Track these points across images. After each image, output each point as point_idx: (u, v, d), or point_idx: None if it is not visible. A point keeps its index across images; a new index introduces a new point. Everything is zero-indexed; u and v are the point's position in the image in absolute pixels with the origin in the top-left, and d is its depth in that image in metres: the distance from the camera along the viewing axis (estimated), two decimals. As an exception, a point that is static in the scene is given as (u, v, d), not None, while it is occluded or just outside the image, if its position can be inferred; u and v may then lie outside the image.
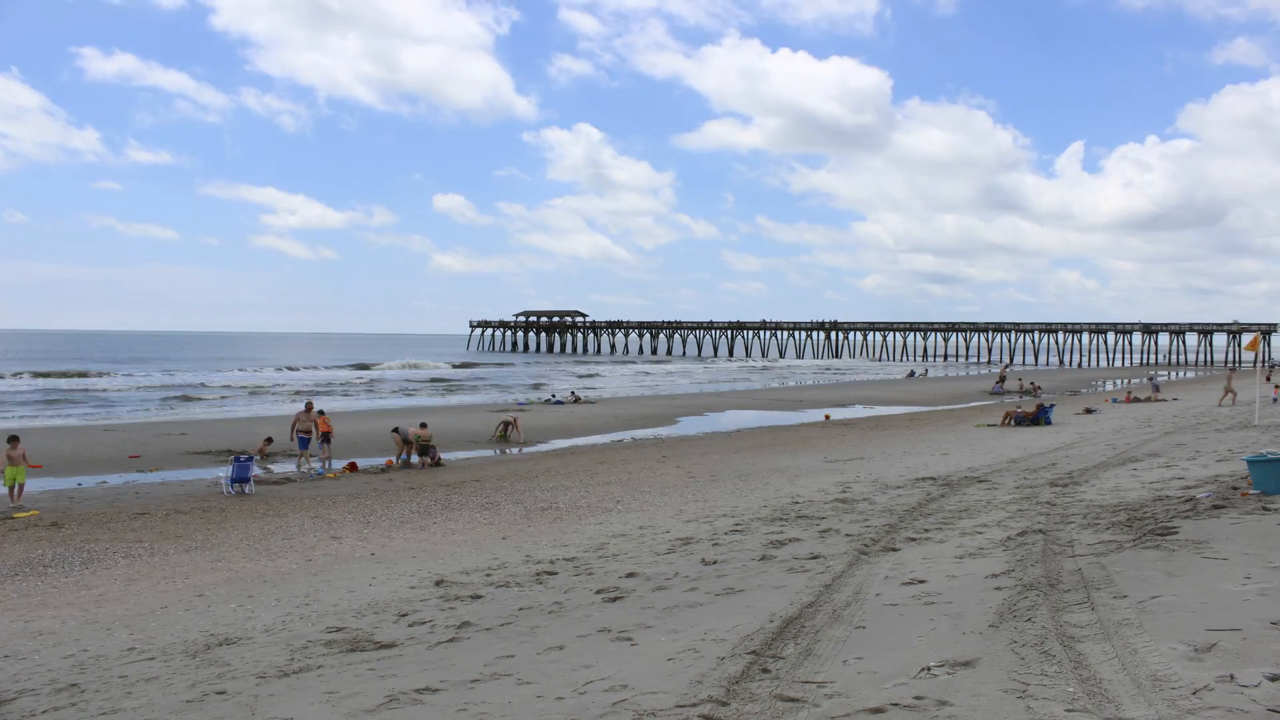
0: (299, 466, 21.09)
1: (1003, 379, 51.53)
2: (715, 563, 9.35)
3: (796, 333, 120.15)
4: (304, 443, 21.57)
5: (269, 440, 22.94)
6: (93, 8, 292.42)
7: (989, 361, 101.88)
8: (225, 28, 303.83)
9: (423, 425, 22.03)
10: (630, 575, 9.07)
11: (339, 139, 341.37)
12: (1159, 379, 47.97)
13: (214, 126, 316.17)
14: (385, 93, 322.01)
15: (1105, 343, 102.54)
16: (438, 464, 21.00)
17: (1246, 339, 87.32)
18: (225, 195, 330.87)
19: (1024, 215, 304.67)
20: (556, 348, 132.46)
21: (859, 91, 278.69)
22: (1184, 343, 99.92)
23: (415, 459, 21.01)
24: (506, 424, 27.05)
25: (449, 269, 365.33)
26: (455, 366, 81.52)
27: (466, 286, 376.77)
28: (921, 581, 7.58)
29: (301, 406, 23.43)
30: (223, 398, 44.74)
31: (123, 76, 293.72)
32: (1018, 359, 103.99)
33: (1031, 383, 50.04)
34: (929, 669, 5.24)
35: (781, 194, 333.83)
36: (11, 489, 15.97)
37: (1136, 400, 37.36)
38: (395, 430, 22.14)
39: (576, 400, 41.37)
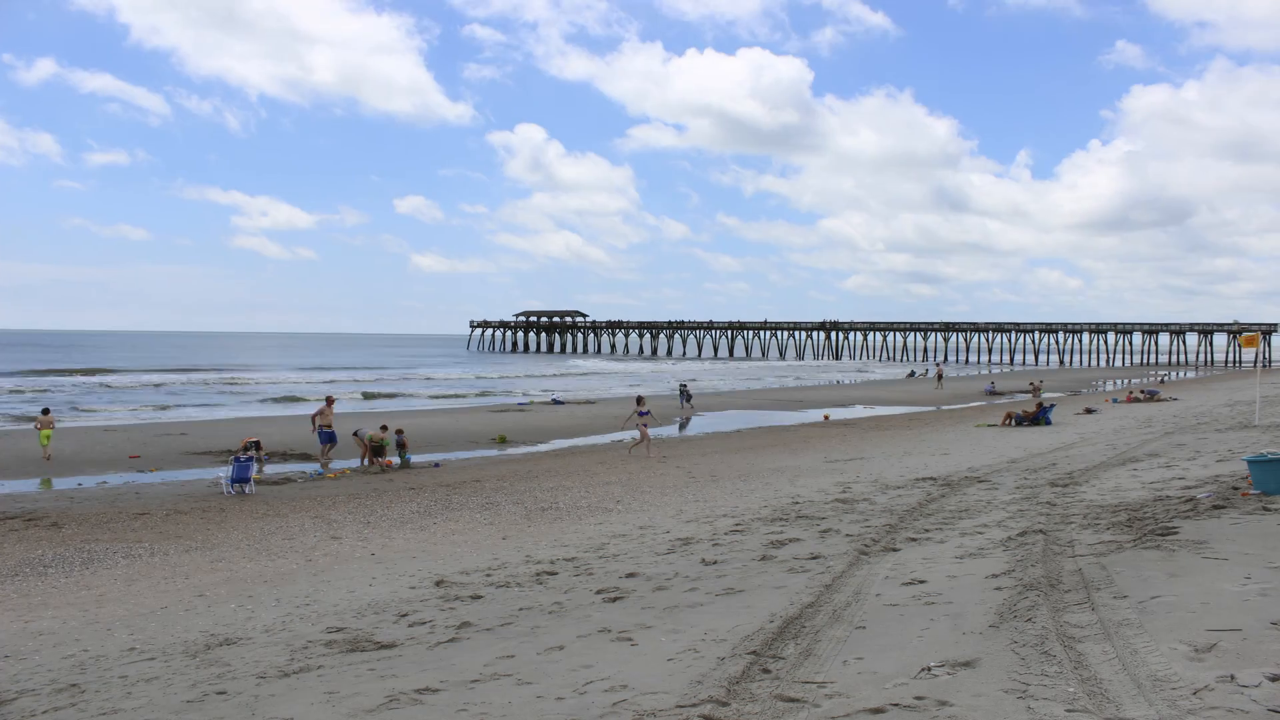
0: (322, 460, 21.60)
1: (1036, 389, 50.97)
2: (715, 563, 9.35)
3: (796, 333, 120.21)
4: (326, 437, 21.89)
5: (258, 445, 22.84)
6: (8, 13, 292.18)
7: (989, 362, 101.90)
8: (141, 33, 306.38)
9: (383, 427, 22.10)
10: (630, 575, 9.07)
11: (286, 141, 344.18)
12: (1152, 389, 48.22)
13: (157, 129, 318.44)
14: (317, 97, 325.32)
15: (1105, 343, 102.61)
16: (405, 466, 20.99)
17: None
18: (190, 197, 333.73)
19: (983, 214, 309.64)
20: (556, 348, 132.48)
21: (788, 91, 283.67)
22: (1184, 343, 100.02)
23: (367, 461, 21.08)
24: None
25: (430, 269, 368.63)
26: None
27: (451, 286, 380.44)
28: (922, 581, 7.58)
29: (323, 402, 23.54)
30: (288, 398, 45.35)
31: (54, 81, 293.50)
32: (1018, 360, 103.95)
33: (1031, 382, 50.25)
34: (929, 669, 5.24)
35: (735, 192, 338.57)
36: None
37: (1137, 400, 37.36)
38: (355, 433, 22.00)
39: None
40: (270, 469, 20.50)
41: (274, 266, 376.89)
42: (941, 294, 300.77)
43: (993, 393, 48.51)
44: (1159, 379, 52.86)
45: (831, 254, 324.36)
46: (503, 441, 26.31)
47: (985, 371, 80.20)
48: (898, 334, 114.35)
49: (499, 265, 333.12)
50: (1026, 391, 47.20)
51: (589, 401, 42.23)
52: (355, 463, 21.47)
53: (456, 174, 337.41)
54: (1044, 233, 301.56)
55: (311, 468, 21.13)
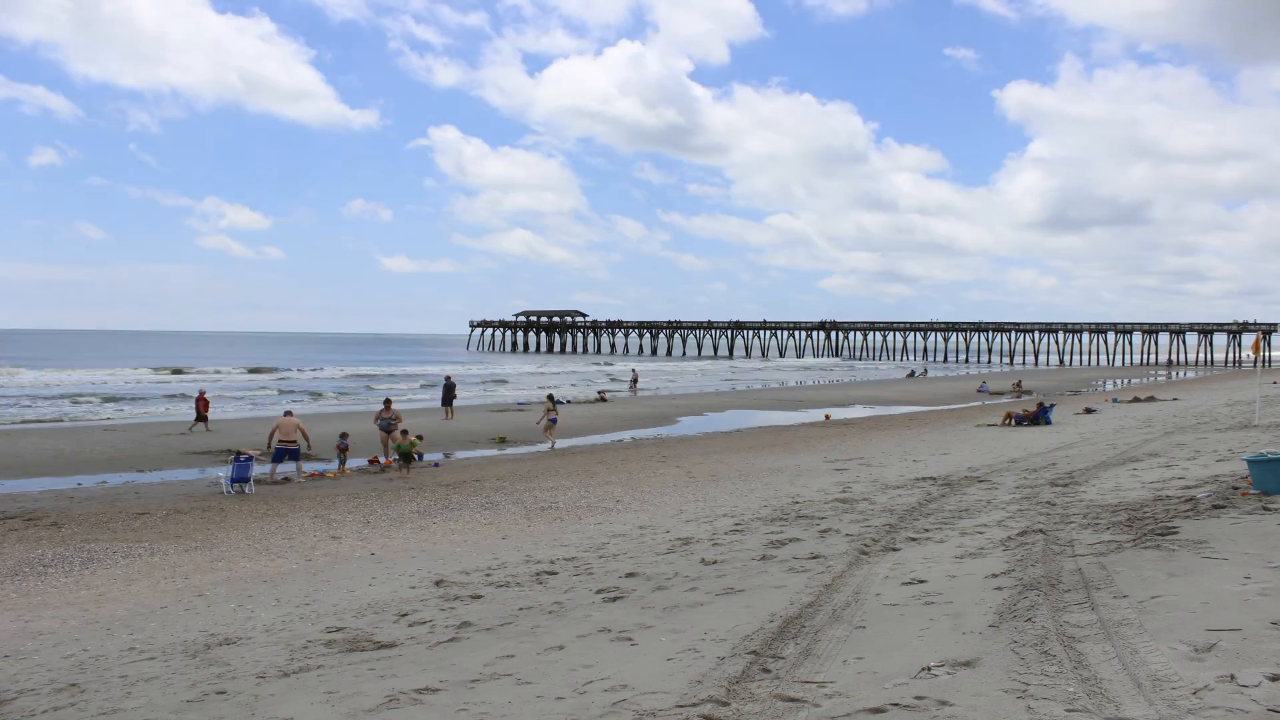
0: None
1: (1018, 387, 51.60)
2: (715, 562, 9.35)
3: (796, 332, 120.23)
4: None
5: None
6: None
7: (988, 362, 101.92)
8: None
9: (413, 435, 22.11)
10: (630, 575, 9.07)
11: (218, 145, 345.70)
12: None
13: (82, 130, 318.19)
14: (231, 101, 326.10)
15: (1105, 343, 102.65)
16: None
17: (1248, 339, 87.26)
18: (140, 198, 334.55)
19: (914, 212, 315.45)
20: (556, 347, 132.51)
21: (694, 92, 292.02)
22: (1184, 342, 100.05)
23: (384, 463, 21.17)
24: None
25: (401, 269, 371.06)
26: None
27: (435, 287, 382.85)
28: (922, 581, 7.58)
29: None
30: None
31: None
32: (1017, 360, 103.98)
33: (1014, 382, 50.59)
34: (929, 669, 5.24)
35: (674, 190, 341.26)
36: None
37: (1137, 400, 37.37)
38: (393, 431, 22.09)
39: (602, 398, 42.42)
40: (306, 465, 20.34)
41: (238, 265, 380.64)
42: (923, 294, 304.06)
43: (985, 392, 48.70)
44: (1153, 379, 53.35)
45: (795, 253, 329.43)
46: (502, 441, 26.29)
47: (984, 371, 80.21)
48: (898, 334, 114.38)
49: (472, 266, 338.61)
50: (1011, 392, 47.39)
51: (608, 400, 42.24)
52: (355, 462, 21.46)
53: (395, 178, 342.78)
54: (1008, 232, 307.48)
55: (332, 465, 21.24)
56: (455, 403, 33.30)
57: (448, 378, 35.19)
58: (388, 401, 23.94)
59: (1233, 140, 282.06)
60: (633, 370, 48.08)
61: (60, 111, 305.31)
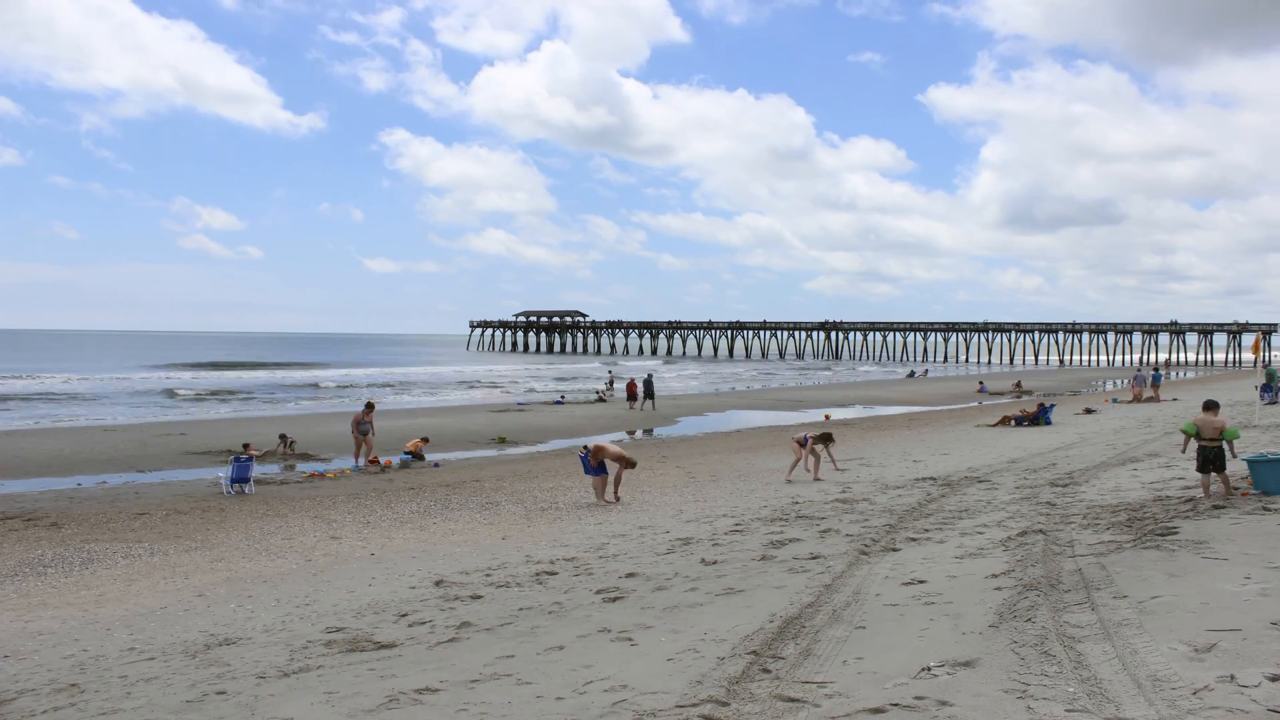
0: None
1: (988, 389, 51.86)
2: (715, 563, 9.35)
3: (796, 333, 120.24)
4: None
5: (284, 438, 22.90)
6: None
7: (988, 361, 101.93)
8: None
9: (424, 440, 22.35)
10: (630, 575, 9.07)
11: (176, 147, 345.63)
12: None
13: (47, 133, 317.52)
14: (179, 105, 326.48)
15: (1105, 343, 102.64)
16: (405, 466, 21.02)
17: (1248, 339, 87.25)
18: (107, 197, 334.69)
19: (871, 210, 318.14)
20: (556, 348, 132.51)
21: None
22: (1184, 342, 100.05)
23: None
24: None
25: (384, 270, 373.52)
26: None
27: (423, 286, 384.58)
28: (922, 581, 7.58)
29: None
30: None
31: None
32: (1017, 360, 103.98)
33: (1016, 383, 50.70)
34: (929, 669, 5.24)
35: (634, 190, 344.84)
36: None
37: (1137, 400, 37.36)
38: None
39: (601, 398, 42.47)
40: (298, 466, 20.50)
41: (220, 266, 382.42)
42: (906, 294, 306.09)
43: (985, 392, 48.75)
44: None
45: (767, 252, 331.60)
46: (502, 442, 26.29)
47: (984, 371, 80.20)
48: (898, 334, 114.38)
49: (457, 266, 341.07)
50: (1011, 392, 47.42)
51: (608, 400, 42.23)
52: (352, 463, 21.48)
53: (350, 178, 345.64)
54: (980, 232, 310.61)
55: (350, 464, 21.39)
56: (456, 403, 33.47)
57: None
58: (370, 405, 23.75)
59: (1176, 139, 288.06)
60: (608, 372, 46.99)
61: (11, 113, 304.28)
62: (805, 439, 17.06)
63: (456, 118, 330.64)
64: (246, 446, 22.60)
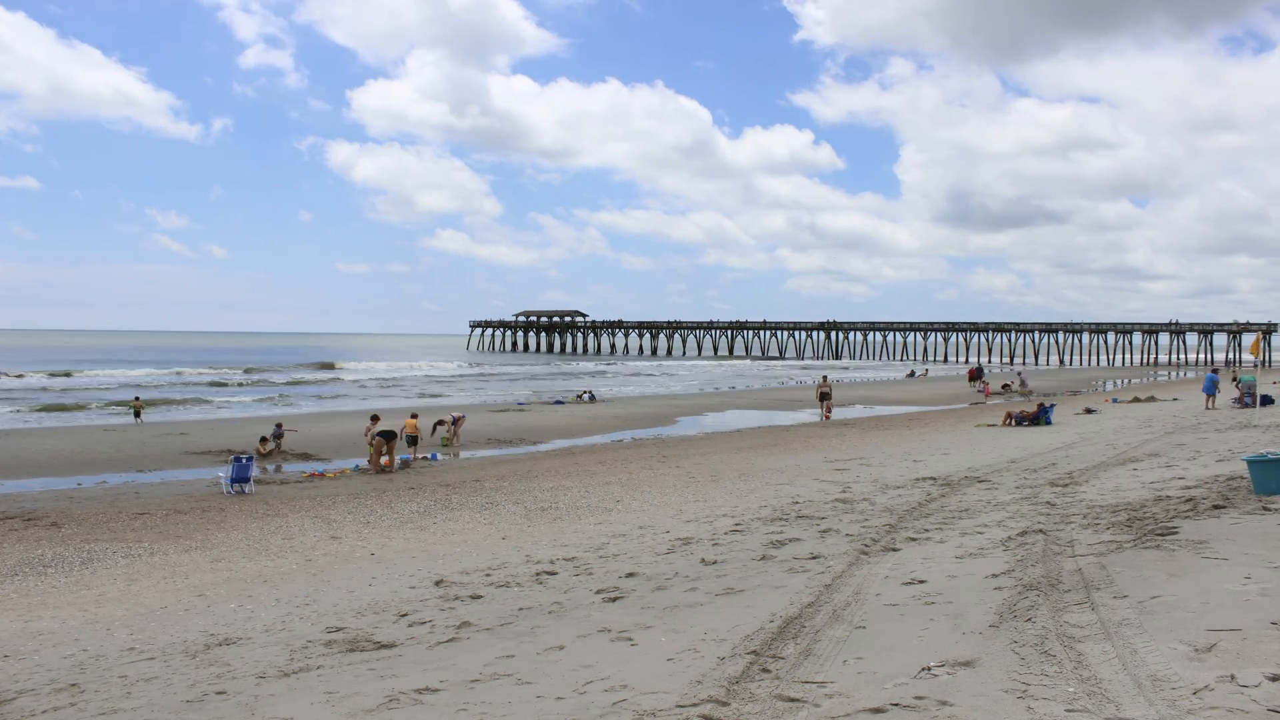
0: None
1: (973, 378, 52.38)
2: (715, 563, 9.35)
3: (796, 333, 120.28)
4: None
5: (264, 440, 23.00)
6: None
7: (989, 361, 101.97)
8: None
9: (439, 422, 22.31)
10: (630, 575, 9.07)
11: (104, 152, 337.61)
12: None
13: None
14: (79, 109, 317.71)
15: (1105, 343, 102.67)
16: (405, 466, 21.06)
17: (1247, 339, 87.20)
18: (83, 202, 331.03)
19: (817, 210, 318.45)
20: (556, 348, 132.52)
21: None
22: (1184, 342, 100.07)
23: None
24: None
25: (354, 271, 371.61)
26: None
27: (402, 287, 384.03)
28: (922, 581, 7.58)
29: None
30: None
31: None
32: (1017, 360, 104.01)
33: (1007, 384, 50.82)
34: (929, 669, 5.24)
35: (568, 189, 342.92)
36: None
37: (1137, 400, 37.39)
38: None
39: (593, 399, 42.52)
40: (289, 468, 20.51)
41: (181, 266, 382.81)
42: (887, 294, 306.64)
43: (982, 391, 48.82)
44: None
45: (741, 254, 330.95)
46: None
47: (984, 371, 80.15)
48: (897, 334, 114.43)
49: (427, 267, 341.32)
50: (1002, 394, 47.46)
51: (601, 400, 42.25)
52: (353, 463, 21.49)
53: (285, 181, 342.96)
54: (933, 231, 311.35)
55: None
56: (455, 401, 33.48)
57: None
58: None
59: (1084, 133, 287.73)
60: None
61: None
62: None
63: (366, 120, 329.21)
64: (264, 440, 22.68)
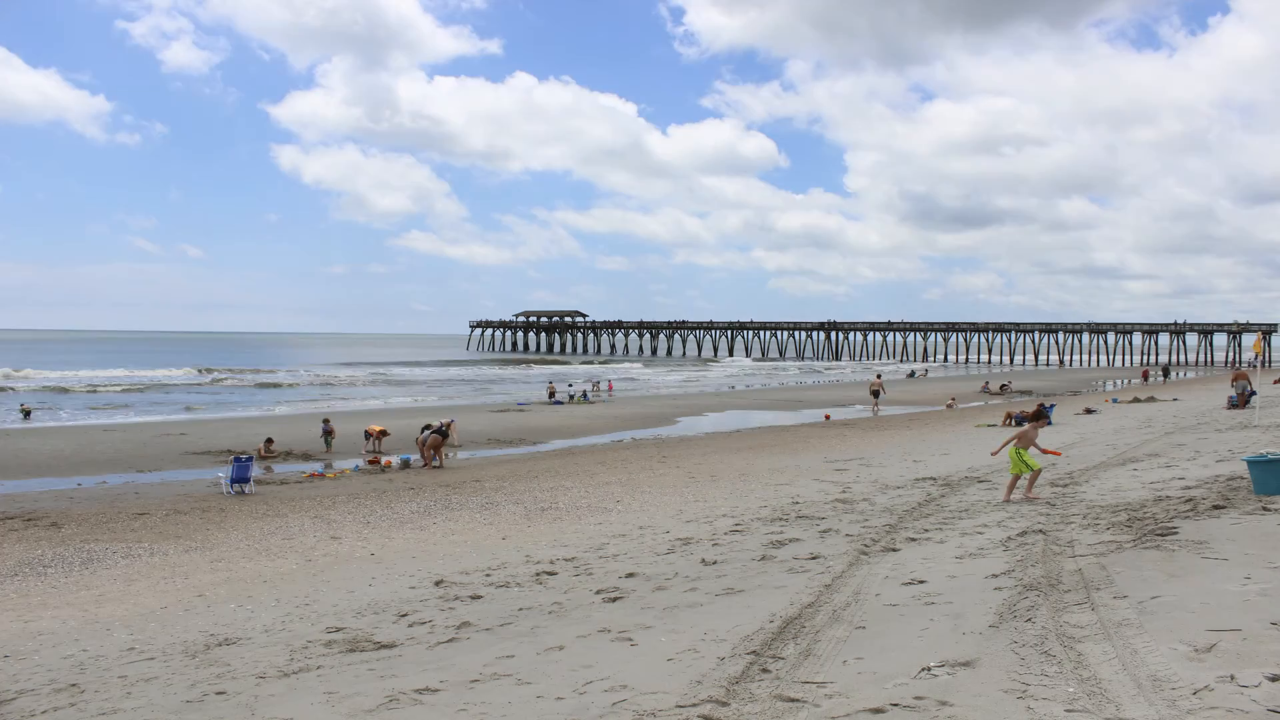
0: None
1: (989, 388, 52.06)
2: (715, 563, 9.35)
3: (797, 333, 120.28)
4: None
5: (269, 441, 23.02)
6: None
7: (988, 361, 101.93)
8: None
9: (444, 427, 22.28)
10: (630, 575, 9.07)
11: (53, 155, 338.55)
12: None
13: None
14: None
15: (1105, 343, 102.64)
16: (405, 466, 21.07)
17: (1248, 339, 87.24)
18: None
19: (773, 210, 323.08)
20: (556, 348, 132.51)
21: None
22: (1184, 342, 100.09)
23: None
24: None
25: (337, 272, 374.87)
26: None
27: (388, 286, 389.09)
28: (922, 581, 7.58)
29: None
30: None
31: None
32: (1017, 360, 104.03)
33: (1005, 384, 50.97)
34: (929, 669, 5.24)
35: (529, 188, 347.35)
36: None
37: (1137, 400, 37.37)
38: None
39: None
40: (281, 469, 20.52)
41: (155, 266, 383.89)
42: (869, 294, 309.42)
43: (985, 391, 48.87)
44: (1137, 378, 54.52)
45: (713, 254, 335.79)
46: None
47: (981, 371, 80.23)
48: (897, 334, 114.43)
49: (404, 266, 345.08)
50: (999, 394, 47.51)
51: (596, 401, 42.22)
52: (353, 463, 21.51)
53: (243, 185, 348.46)
54: (898, 231, 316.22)
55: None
56: (456, 402, 33.64)
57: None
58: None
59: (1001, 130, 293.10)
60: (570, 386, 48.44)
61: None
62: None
63: (297, 126, 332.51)
64: (269, 441, 22.70)
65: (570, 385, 50.27)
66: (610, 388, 48.69)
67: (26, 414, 33.49)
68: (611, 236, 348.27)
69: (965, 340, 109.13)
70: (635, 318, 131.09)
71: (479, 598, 8.64)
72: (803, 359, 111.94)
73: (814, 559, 9.04)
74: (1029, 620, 6.05)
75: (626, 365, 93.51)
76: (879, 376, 41.64)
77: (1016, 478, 12.16)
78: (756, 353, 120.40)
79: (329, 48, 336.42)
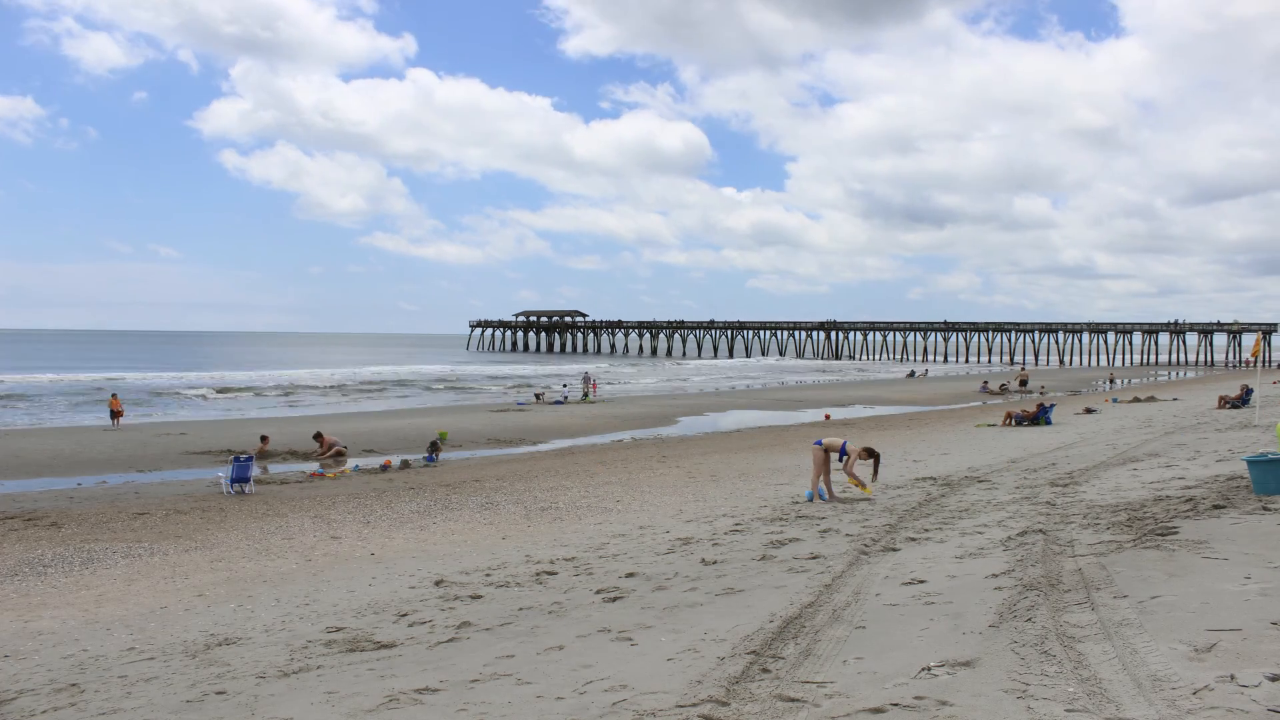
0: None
1: (1007, 385, 51.97)
2: (715, 563, 9.35)
3: (796, 332, 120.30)
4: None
5: (265, 439, 23.02)
6: None
7: (987, 361, 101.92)
8: None
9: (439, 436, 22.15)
10: (630, 575, 9.07)
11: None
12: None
13: None
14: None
15: (1105, 343, 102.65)
16: (405, 466, 21.02)
17: (1248, 339, 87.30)
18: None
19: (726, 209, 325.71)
20: (556, 348, 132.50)
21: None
22: (1184, 342, 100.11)
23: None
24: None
25: (316, 273, 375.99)
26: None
27: (374, 286, 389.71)
28: (921, 581, 7.58)
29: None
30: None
31: None
32: (1017, 359, 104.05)
33: (1005, 384, 50.97)
34: (929, 669, 5.24)
35: (487, 189, 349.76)
36: None
37: (1137, 400, 37.38)
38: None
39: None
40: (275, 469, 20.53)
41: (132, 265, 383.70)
42: (848, 294, 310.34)
43: (986, 390, 48.89)
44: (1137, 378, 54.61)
45: (687, 253, 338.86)
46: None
47: (984, 371, 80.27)
48: (897, 334, 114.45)
49: (384, 266, 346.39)
50: (1019, 390, 47.52)
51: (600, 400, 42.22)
52: (353, 463, 21.50)
53: (209, 189, 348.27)
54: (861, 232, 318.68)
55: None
56: (455, 402, 33.44)
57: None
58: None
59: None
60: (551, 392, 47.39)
61: None
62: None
63: (231, 127, 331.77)
64: (265, 439, 22.70)
65: (565, 385, 50.31)
66: (594, 387, 48.53)
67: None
68: (576, 236, 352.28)
69: (965, 340, 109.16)
70: (616, 317, 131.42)
71: (479, 597, 8.64)
72: (802, 358, 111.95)
73: (814, 559, 9.04)
74: (1029, 620, 6.05)
75: (627, 365, 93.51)
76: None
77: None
78: (757, 352, 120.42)
79: (236, 51, 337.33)
